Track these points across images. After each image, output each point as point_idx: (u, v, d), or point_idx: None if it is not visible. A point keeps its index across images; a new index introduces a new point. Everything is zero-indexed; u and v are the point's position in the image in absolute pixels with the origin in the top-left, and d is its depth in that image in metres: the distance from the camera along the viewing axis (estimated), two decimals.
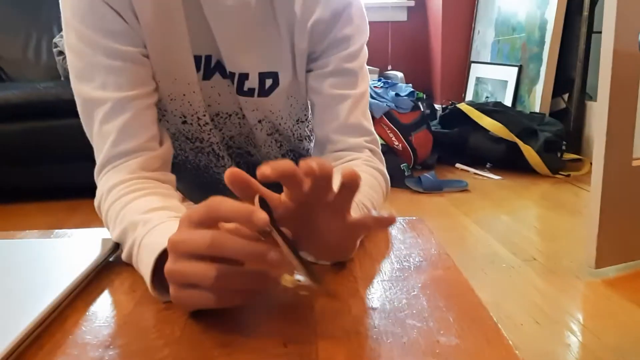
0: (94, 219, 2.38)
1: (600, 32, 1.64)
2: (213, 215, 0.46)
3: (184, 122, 0.86)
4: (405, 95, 3.17)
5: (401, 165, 2.87)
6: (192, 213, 0.47)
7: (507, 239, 2.10)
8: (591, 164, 1.72)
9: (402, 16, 4.06)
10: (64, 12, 0.72)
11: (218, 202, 0.45)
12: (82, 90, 0.71)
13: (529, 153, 2.88)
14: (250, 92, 0.82)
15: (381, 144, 2.61)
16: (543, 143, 2.86)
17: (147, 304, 0.53)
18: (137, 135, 0.71)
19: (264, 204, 0.48)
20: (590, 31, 3.03)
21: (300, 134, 0.92)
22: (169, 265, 0.47)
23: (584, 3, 3.02)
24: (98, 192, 0.71)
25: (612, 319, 1.51)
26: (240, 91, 0.82)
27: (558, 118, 3.11)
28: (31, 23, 3.10)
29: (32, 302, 0.50)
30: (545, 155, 2.87)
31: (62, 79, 2.81)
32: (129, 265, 0.62)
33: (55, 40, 2.89)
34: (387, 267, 0.60)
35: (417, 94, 3.28)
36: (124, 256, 0.60)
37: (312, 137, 0.97)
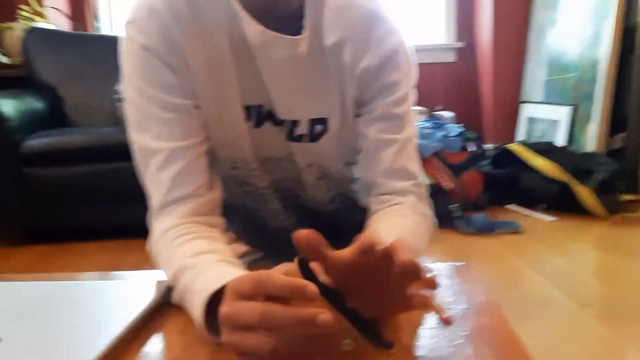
0: (146, 259, 2.45)
1: None
2: (262, 290, 0.47)
3: (234, 168, 0.88)
4: (455, 136, 3.16)
5: (450, 207, 2.84)
6: (239, 285, 0.48)
7: (562, 282, 2.04)
8: None
9: (452, 57, 4.07)
10: (124, 67, 0.77)
11: (267, 277, 0.47)
12: (138, 139, 0.76)
13: (584, 193, 2.81)
14: (300, 138, 0.84)
15: (430, 184, 2.62)
16: (598, 183, 2.79)
17: (199, 346, 0.55)
18: (190, 183, 0.74)
19: (305, 267, 0.48)
20: None
21: (349, 176, 0.92)
22: (225, 337, 0.48)
23: (635, 41, 2.97)
24: (152, 236, 0.75)
25: None
26: (290, 137, 0.84)
27: (614, 158, 3.03)
28: (95, 71, 3.27)
29: (89, 343, 0.53)
30: (600, 195, 2.79)
31: (122, 124, 2.94)
32: (181, 308, 0.64)
33: (116, 87, 3.04)
34: (431, 315, 0.61)
35: (466, 133, 3.26)
36: (176, 299, 0.63)
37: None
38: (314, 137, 0.84)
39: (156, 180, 0.75)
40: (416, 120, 0.86)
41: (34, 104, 3.03)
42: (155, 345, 0.56)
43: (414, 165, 0.84)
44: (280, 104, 0.82)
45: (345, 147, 0.87)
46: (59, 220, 2.81)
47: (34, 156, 2.69)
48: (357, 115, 0.85)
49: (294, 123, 0.83)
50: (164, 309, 0.65)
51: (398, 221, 0.77)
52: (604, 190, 2.80)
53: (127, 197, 2.45)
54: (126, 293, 0.68)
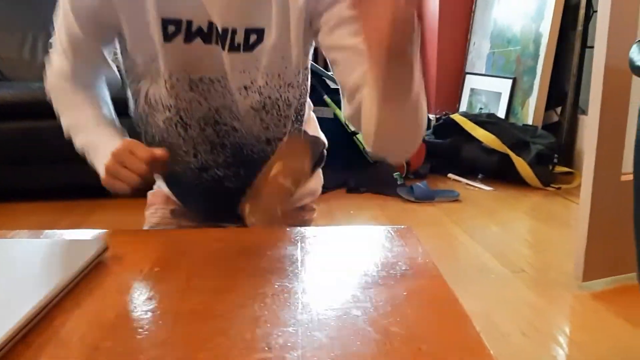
0: (85, 220, 2.40)
1: (593, 47, 1.66)
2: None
3: (154, 88, 0.88)
4: None
5: (394, 174, 2.88)
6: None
7: (497, 249, 2.11)
8: (581, 177, 1.74)
9: None
10: None
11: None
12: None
13: (521, 165, 2.90)
14: (237, 48, 0.83)
15: None
16: (535, 155, 2.88)
17: (135, 305, 0.54)
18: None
19: None
20: (584, 46, 3.06)
21: (288, 98, 0.90)
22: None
23: (578, 18, 3.05)
24: (50, 70, 0.96)
25: (598, 333, 1.52)
26: (231, 47, 0.83)
27: (550, 131, 3.13)
28: (28, 22, 3.09)
29: (20, 302, 0.50)
30: (536, 167, 2.89)
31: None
32: (119, 267, 0.63)
33: (51, 40, 2.89)
34: (373, 275, 0.61)
35: None
36: (77, 146, 0.90)
37: (302, 112, 0.95)
38: (248, 47, 0.83)
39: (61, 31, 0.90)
40: None
41: None
42: (90, 305, 0.54)
43: None
44: (217, 12, 0.80)
45: (289, 66, 0.85)
46: None
47: None
48: (317, 31, 0.82)
49: (233, 32, 0.82)
50: (101, 268, 0.62)
51: None
52: (539, 163, 2.90)
53: (64, 157, 2.36)
54: (59, 251, 0.65)
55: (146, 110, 0.91)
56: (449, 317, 0.52)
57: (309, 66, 0.94)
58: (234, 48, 0.83)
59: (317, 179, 1.09)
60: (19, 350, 0.46)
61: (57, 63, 0.94)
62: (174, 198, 1.06)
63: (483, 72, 3.69)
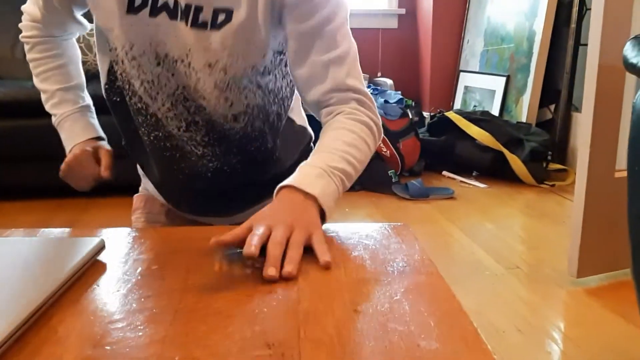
0: (78, 219, 2.40)
1: (587, 45, 1.66)
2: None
3: (116, 57, 0.88)
4: (394, 102, 3.19)
5: (388, 172, 2.89)
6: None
7: (491, 247, 2.12)
8: (575, 174, 1.75)
9: (393, 23, 4.08)
10: None
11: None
12: None
13: (515, 162, 2.91)
14: (203, 25, 0.83)
15: None
16: (529, 153, 2.89)
17: (134, 303, 0.54)
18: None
19: None
20: (577, 43, 3.07)
21: (252, 79, 0.90)
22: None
23: (571, 16, 3.06)
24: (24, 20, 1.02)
25: (592, 328, 1.53)
26: (194, 23, 0.83)
27: (544, 128, 3.14)
28: (19, 22, 3.08)
29: (17, 300, 0.50)
30: (530, 164, 2.90)
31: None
32: (115, 264, 0.63)
33: None
34: (371, 272, 0.61)
35: (406, 101, 3.30)
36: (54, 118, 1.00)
37: (280, 95, 0.96)
38: (216, 25, 0.83)
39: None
40: (351, 40, 0.86)
41: None
42: (88, 303, 0.54)
43: (356, 78, 0.85)
44: None
45: (249, 44, 0.85)
46: None
47: None
48: (280, 18, 0.84)
49: (197, 9, 0.82)
50: (98, 266, 0.62)
51: (334, 134, 0.82)
52: (533, 160, 2.91)
53: (56, 155, 2.35)
54: (55, 250, 0.65)
55: (114, 78, 0.92)
56: (447, 313, 0.52)
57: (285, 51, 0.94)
58: (198, 25, 0.83)
59: None
60: (16, 349, 0.46)
61: (30, 9, 1.00)
62: (159, 198, 1.06)
63: (477, 70, 3.70)
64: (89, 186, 1.00)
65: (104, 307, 0.53)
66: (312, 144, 1.10)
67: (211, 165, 0.94)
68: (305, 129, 1.07)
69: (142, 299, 0.54)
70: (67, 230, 0.78)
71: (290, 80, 0.96)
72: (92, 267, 0.62)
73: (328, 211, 0.72)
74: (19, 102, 2.51)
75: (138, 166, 1.07)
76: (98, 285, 0.58)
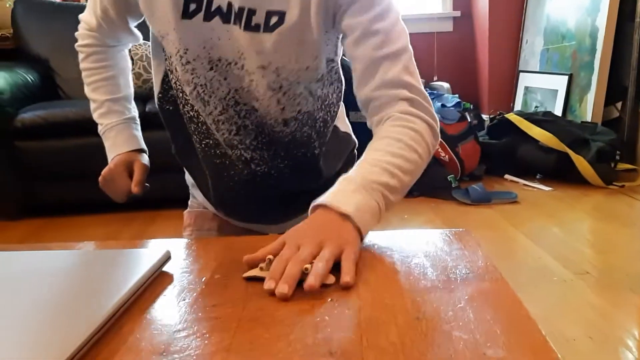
0: (146, 230, 2.48)
1: None
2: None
3: (170, 64, 0.90)
4: (452, 106, 3.14)
5: (448, 177, 2.84)
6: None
7: (559, 252, 2.05)
8: None
9: (448, 27, 4.03)
10: None
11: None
12: None
13: (581, 163, 2.81)
14: (256, 28, 0.84)
15: None
16: (595, 153, 2.79)
17: (199, 312, 0.55)
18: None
19: None
20: None
21: (303, 79, 0.90)
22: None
23: (636, 10, 2.94)
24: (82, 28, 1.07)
25: None
26: (247, 27, 0.84)
27: (611, 127, 3.02)
28: None
29: (89, 311, 0.52)
30: (597, 165, 2.79)
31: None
32: (180, 274, 0.64)
33: None
34: (433, 279, 0.60)
35: (464, 104, 3.25)
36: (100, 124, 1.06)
37: (327, 102, 0.96)
38: (269, 28, 0.84)
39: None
40: (406, 35, 0.85)
41: (26, 76, 2.99)
42: (156, 312, 0.56)
43: (411, 75, 0.83)
44: None
45: (301, 46, 0.86)
46: (54, 194, 2.80)
47: (27, 130, 2.67)
48: (343, 35, 0.85)
49: (250, 12, 0.83)
50: (165, 276, 0.64)
51: (379, 144, 0.79)
52: (600, 160, 2.80)
53: None
54: (125, 261, 0.67)
55: (168, 84, 0.94)
56: (514, 321, 0.51)
57: (337, 60, 0.95)
58: (251, 28, 0.84)
59: None
60: (90, 357, 0.48)
61: (87, 18, 1.05)
62: (209, 208, 1.07)
63: (537, 70, 3.60)
64: (123, 199, 1.05)
65: (171, 316, 0.55)
66: (355, 150, 1.09)
67: (259, 170, 0.95)
68: (349, 135, 1.07)
69: (207, 308, 0.56)
70: (134, 242, 0.81)
71: (338, 87, 0.97)
72: (159, 278, 0.64)
73: (363, 228, 0.69)
74: (88, 120, 2.63)
75: (187, 176, 1.09)
76: (165, 295, 0.60)
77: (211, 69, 0.88)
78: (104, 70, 1.06)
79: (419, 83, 0.84)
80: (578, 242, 2.17)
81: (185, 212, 1.13)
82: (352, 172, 0.75)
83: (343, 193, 0.71)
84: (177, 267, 0.68)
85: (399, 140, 0.78)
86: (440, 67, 4.00)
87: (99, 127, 1.07)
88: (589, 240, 2.23)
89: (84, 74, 1.08)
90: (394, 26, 0.83)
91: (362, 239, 0.70)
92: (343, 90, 0.99)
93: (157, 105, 1.00)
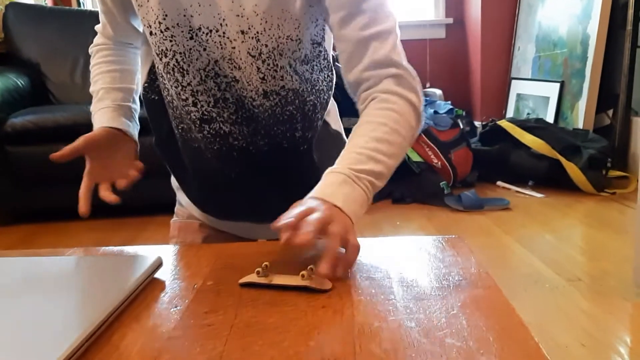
0: (137, 236, 2.45)
1: None
2: None
3: (151, 34, 0.88)
4: (444, 113, 3.15)
5: (440, 184, 2.85)
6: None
7: (551, 258, 2.06)
8: (637, 181, 1.68)
9: (441, 33, 4.05)
10: None
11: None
12: None
13: (573, 170, 2.82)
14: None
15: (420, 162, 2.65)
16: (587, 160, 2.80)
17: (191, 319, 0.54)
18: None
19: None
20: (634, 45, 2.96)
21: (285, 50, 0.89)
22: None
23: (627, 17, 2.96)
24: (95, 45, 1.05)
25: None
26: None
27: (602, 134, 3.04)
28: (78, 48, 3.21)
29: (80, 318, 0.52)
30: (589, 172, 2.81)
31: None
32: (173, 281, 0.64)
33: None
34: (426, 286, 0.60)
35: (456, 111, 3.26)
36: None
37: (305, 79, 0.94)
38: None
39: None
40: (394, 17, 0.85)
41: (16, 81, 2.97)
42: (148, 319, 0.55)
43: (396, 54, 0.83)
44: None
45: (283, 13, 0.85)
46: (45, 199, 2.78)
47: (17, 135, 2.65)
48: (326, 12, 0.84)
49: None
50: (157, 283, 0.64)
51: (362, 130, 0.80)
52: (592, 167, 2.82)
53: None
54: (115, 267, 0.67)
55: (155, 60, 0.93)
56: (506, 328, 0.50)
57: (325, 46, 0.94)
58: None
59: None
60: None
61: (98, 25, 1.04)
62: (194, 212, 1.06)
63: (529, 77, 3.62)
64: (116, 183, 0.95)
65: (162, 323, 0.54)
66: None
67: (236, 144, 0.92)
68: (340, 134, 1.06)
69: (199, 315, 0.55)
70: (125, 248, 0.80)
71: (328, 75, 0.96)
72: (150, 284, 0.63)
73: (354, 218, 0.71)
74: (79, 125, 2.62)
75: (172, 180, 1.07)
76: (156, 302, 0.59)
77: (191, 37, 0.86)
78: (107, 65, 1.02)
79: (406, 62, 0.84)
80: (570, 249, 2.17)
81: (171, 221, 1.10)
82: (337, 163, 0.76)
83: (331, 186, 0.72)
84: (169, 273, 0.67)
85: (384, 124, 0.78)
86: (432, 74, 4.01)
87: (92, 118, 0.99)
88: (581, 247, 2.24)
89: (90, 74, 1.04)
90: (382, 6, 0.83)
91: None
92: (334, 81, 0.99)
93: (142, 96, 0.99)
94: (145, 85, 0.97)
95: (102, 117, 0.97)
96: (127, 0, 0.92)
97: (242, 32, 0.85)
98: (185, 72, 0.89)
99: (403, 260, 0.69)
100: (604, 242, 2.25)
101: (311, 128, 0.96)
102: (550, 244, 2.23)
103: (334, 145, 1.04)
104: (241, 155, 0.93)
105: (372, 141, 0.77)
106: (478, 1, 3.80)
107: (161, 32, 0.87)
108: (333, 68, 0.98)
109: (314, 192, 0.72)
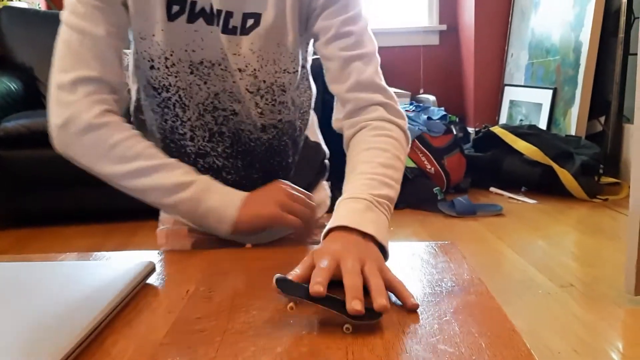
0: (130, 242, 2.44)
1: (636, 54, 1.62)
2: None
3: (152, 68, 0.87)
4: (438, 119, 3.16)
5: (434, 189, 2.85)
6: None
7: (543, 264, 2.06)
8: (629, 187, 1.68)
9: (434, 40, 4.07)
10: None
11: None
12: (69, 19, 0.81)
13: (565, 177, 2.84)
14: (233, 31, 0.84)
15: (413, 168, 2.66)
16: (579, 166, 2.81)
17: (183, 325, 0.54)
18: (106, 65, 0.81)
19: (284, 283, 0.56)
20: (626, 53, 2.98)
21: (283, 84, 0.90)
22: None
23: (619, 25, 2.99)
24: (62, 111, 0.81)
25: None
26: (225, 29, 0.84)
27: (595, 141, 3.06)
28: None
29: (71, 323, 0.52)
30: (581, 178, 2.82)
31: None
32: (165, 287, 0.64)
33: None
34: (418, 292, 0.60)
35: (450, 117, 3.27)
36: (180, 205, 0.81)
37: (303, 110, 0.96)
38: (245, 30, 0.85)
39: (73, 53, 0.80)
40: (375, 41, 0.88)
41: (9, 85, 2.96)
42: (139, 324, 0.55)
43: (380, 79, 0.85)
44: None
45: (279, 48, 0.87)
46: (38, 203, 2.76)
47: (10, 139, 2.64)
48: (315, 36, 0.87)
49: (228, 14, 0.83)
50: (149, 289, 0.64)
51: (368, 156, 0.79)
52: (584, 174, 2.83)
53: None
54: (107, 273, 0.67)
55: (145, 91, 0.92)
56: (499, 334, 0.51)
57: (308, 67, 0.96)
58: (229, 31, 0.84)
59: (322, 191, 1.07)
60: None
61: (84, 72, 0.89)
62: (183, 220, 1.03)
63: (522, 84, 3.63)
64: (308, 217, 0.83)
65: (155, 328, 0.54)
66: (326, 160, 1.09)
67: (229, 178, 0.93)
68: (319, 145, 1.07)
69: (191, 320, 0.55)
70: (118, 253, 0.80)
71: (309, 95, 0.97)
72: (142, 290, 0.63)
73: (385, 245, 0.67)
74: None
75: None
76: (149, 308, 0.59)
77: (191, 72, 0.87)
78: (139, 135, 0.83)
79: (387, 85, 0.87)
80: (563, 255, 2.18)
81: (157, 231, 1.07)
82: (353, 189, 0.73)
83: (356, 213, 0.69)
84: (161, 279, 0.67)
85: (386, 150, 0.80)
86: (426, 80, 4.02)
87: (189, 188, 0.79)
88: (574, 253, 2.25)
89: (121, 146, 0.80)
90: (365, 31, 0.86)
91: (386, 256, 0.67)
92: (314, 98, 1.00)
93: (132, 113, 0.98)
94: (135, 104, 0.97)
95: (222, 190, 0.82)
96: (121, 28, 0.85)
97: (240, 70, 0.87)
98: (186, 107, 0.89)
99: (396, 266, 0.69)
100: (596, 248, 2.25)
101: (298, 150, 0.98)
102: (542, 250, 2.24)
103: (313, 156, 1.05)
104: (233, 187, 0.93)
105: (379, 167, 0.77)
106: (471, 8, 3.82)
107: (166, 67, 0.87)
108: (312, 83, 0.99)
109: (341, 220, 0.67)
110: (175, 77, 0.87)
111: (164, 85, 0.88)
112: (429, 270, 0.67)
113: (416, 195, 2.85)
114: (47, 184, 2.72)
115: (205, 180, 0.81)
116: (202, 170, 0.91)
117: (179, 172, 0.80)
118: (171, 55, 0.86)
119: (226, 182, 0.90)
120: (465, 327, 0.52)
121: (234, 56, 0.86)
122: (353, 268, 0.58)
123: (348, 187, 0.75)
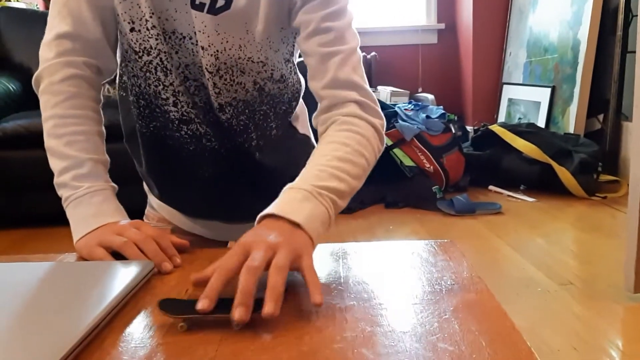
0: None
1: (635, 52, 1.62)
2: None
3: (132, 30, 0.87)
4: (436, 117, 3.16)
5: (433, 188, 2.85)
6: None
7: (543, 262, 2.06)
8: (628, 185, 1.69)
9: (433, 39, 4.07)
10: None
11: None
12: None
13: (564, 175, 2.84)
14: (201, 7, 0.83)
15: (412, 166, 2.65)
16: (578, 164, 2.82)
17: (183, 325, 0.54)
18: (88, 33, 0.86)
19: (168, 305, 0.56)
20: (624, 51, 2.99)
21: (244, 69, 0.89)
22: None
23: (617, 23, 2.99)
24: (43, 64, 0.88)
25: None
26: (193, 4, 0.83)
27: (593, 139, 3.06)
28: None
29: (70, 324, 0.52)
30: (580, 176, 2.82)
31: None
32: (163, 286, 0.63)
33: None
34: (418, 290, 0.60)
35: (448, 115, 3.27)
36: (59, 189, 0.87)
37: (281, 99, 0.95)
38: (214, 10, 0.83)
39: (62, 13, 0.85)
40: (358, 38, 0.87)
41: (7, 85, 2.96)
42: (139, 325, 0.55)
43: (360, 77, 0.84)
44: None
45: (246, 35, 0.86)
46: (35, 204, 2.76)
47: (8, 139, 2.64)
48: (296, 31, 0.86)
49: None
50: (148, 288, 0.63)
51: (325, 149, 0.78)
52: (583, 172, 2.83)
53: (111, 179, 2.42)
54: (106, 273, 0.67)
55: (126, 57, 0.91)
56: (499, 332, 0.51)
57: (294, 60, 0.95)
58: (196, 6, 0.83)
59: None
60: None
61: (56, 35, 0.90)
62: (166, 215, 1.05)
63: (521, 82, 3.64)
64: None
65: (154, 328, 0.54)
66: None
67: (209, 145, 0.93)
68: (308, 138, 1.06)
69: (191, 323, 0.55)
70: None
71: (295, 87, 0.97)
72: (142, 290, 0.63)
73: (315, 237, 0.66)
74: None
75: (144, 184, 1.07)
76: (148, 307, 0.59)
77: (165, 40, 0.86)
78: (82, 122, 0.86)
79: (367, 85, 0.85)
80: (562, 253, 2.18)
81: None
82: (299, 179, 0.73)
83: (291, 202, 0.68)
84: (161, 279, 0.67)
85: (346, 144, 0.78)
86: (425, 79, 4.03)
87: (71, 191, 0.84)
88: (573, 250, 2.25)
89: (54, 121, 0.86)
90: (348, 27, 0.84)
91: (313, 248, 0.66)
92: (301, 91, 0.99)
93: (117, 90, 0.98)
94: (119, 79, 0.96)
95: (103, 205, 0.82)
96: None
97: (203, 48, 0.86)
98: (168, 71, 0.89)
99: (395, 264, 0.69)
100: (595, 245, 2.26)
101: (265, 136, 0.96)
102: (541, 248, 2.24)
103: (301, 149, 1.04)
104: (212, 155, 0.93)
105: (334, 160, 0.75)
106: (470, 7, 3.82)
107: (147, 29, 0.86)
108: (300, 77, 0.98)
109: (271, 209, 0.67)
110: (156, 39, 0.86)
111: (144, 48, 0.87)
112: (429, 269, 0.67)
113: (415, 194, 2.85)
114: (46, 184, 2.71)
115: (87, 193, 0.83)
116: (187, 136, 0.92)
117: (74, 173, 0.85)
118: (151, 17, 0.85)
119: (206, 149, 0.93)
120: (465, 325, 0.52)
121: (199, 33, 0.85)
122: (255, 262, 0.57)
123: (299, 176, 0.74)
